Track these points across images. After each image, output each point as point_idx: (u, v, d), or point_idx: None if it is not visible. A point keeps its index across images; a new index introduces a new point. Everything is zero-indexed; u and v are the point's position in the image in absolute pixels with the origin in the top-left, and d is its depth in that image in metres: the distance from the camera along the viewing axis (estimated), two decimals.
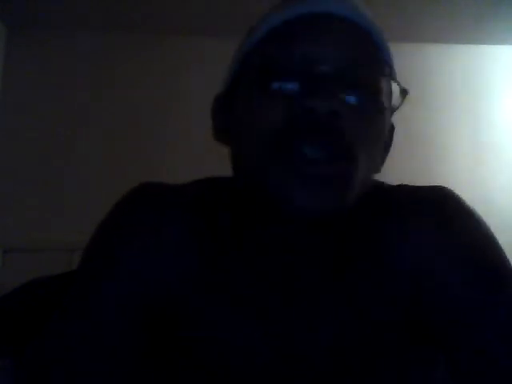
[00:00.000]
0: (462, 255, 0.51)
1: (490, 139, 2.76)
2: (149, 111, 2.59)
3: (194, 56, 2.65)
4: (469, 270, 0.49)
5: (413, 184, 0.60)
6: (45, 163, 2.50)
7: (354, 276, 0.53)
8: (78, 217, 2.42)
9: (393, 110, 0.53)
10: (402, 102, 0.53)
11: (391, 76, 0.51)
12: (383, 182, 0.59)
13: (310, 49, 0.47)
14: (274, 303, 0.53)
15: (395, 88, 0.51)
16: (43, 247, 2.34)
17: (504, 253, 0.51)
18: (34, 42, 2.63)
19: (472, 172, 2.68)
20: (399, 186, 0.59)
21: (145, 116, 2.59)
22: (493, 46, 2.83)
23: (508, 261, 0.51)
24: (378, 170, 0.54)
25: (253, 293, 0.53)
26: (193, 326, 0.53)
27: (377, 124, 0.49)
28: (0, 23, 2.56)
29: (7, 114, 2.54)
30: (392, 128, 0.57)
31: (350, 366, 0.52)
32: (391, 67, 0.52)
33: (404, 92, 0.52)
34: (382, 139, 0.51)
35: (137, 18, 2.53)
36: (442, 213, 0.54)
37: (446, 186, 0.58)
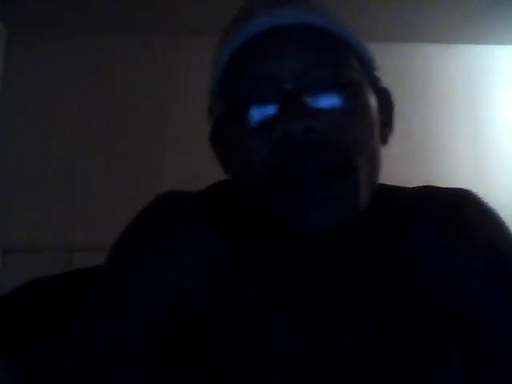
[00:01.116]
0: (484, 257, 0.51)
1: (491, 139, 2.77)
2: (149, 111, 2.59)
3: (194, 56, 2.65)
4: (490, 270, 0.50)
5: (412, 185, 0.60)
6: (45, 163, 2.50)
7: (376, 277, 0.53)
8: (78, 217, 2.42)
9: (375, 84, 0.53)
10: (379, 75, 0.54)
11: (361, 60, 0.51)
12: (403, 186, 0.60)
13: (270, 71, 0.46)
14: (295, 306, 0.53)
15: (373, 67, 0.52)
16: (43, 247, 2.34)
17: None
18: (34, 42, 2.63)
19: (472, 171, 2.68)
20: (422, 187, 0.59)
21: (145, 116, 2.59)
22: (493, 46, 2.83)
23: None
24: (385, 142, 0.54)
25: (271, 296, 0.53)
26: (209, 329, 0.53)
27: (361, 115, 0.48)
28: (0, 23, 2.56)
29: (7, 114, 2.55)
30: (385, 93, 0.56)
31: (373, 365, 0.53)
32: (360, 53, 0.51)
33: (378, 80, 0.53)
34: (371, 124, 0.49)
35: (137, 17, 2.53)
36: (465, 216, 0.54)
37: (445, 186, 0.58)
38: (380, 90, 0.55)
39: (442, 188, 0.58)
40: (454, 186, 0.58)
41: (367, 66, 0.52)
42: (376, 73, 0.54)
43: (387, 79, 0.57)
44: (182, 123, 2.58)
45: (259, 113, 0.47)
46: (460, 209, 0.54)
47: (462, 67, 2.82)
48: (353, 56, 0.50)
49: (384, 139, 0.54)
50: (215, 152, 0.57)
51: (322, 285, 0.53)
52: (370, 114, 0.49)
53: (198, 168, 2.47)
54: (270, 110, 0.46)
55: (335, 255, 0.53)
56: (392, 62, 2.64)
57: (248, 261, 0.54)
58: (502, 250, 0.51)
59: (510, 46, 2.85)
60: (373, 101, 0.51)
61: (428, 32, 2.69)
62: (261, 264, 0.54)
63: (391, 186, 0.59)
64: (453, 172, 2.64)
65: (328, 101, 0.46)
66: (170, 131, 2.56)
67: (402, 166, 2.49)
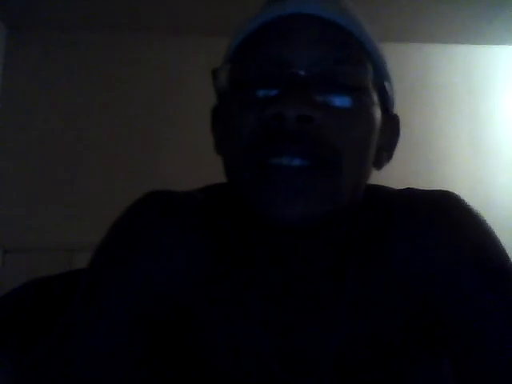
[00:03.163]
0: (468, 259, 0.50)
1: (490, 139, 2.77)
2: (149, 111, 2.59)
3: (194, 56, 2.65)
4: (475, 272, 0.49)
5: (413, 185, 0.60)
6: (45, 163, 2.50)
7: (358, 280, 0.53)
8: (78, 217, 2.42)
9: (384, 104, 0.51)
10: (392, 97, 0.52)
11: (375, 72, 0.49)
12: (387, 187, 0.59)
13: (282, 53, 0.45)
14: (275, 307, 0.53)
15: (387, 85, 0.51)
16: (43, 247, 2.34)
17: (508, 256, 0.51)
18: (34, 42, 2.63)
19: (471, 172, 2.68)
20: (405, 189, 0.59)
21: (145, 116, 2.59)
22: (493, 46, 2.83)
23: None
24: (380, 166, 0.53)
25: (256, 299, 0.53)
26: (197, 330, 0.53)
27: (362, 122, 0.47)
28: (0, 23, 2.56)
29: (7, 114, 2.55)
30: (395, 121, 0.56)
31: (354, 370, 0.52)
32: (376, 64, 0.50)
33: (389, 86, 0.51)
34: (370, 136, 0.48)
35: (137, 17, 2.54)
36: (448, 218, 0.53)
37: (445, 186, 0.58)
38: (390, 116, 0.53)
39: (426, 190, 0.57)
40: (440, 188, 0.57)
41: (380, 81, 0.50)
42: (389, 95, 0.52)
43: None
44: (182, 123, 2.58)
45: (261, 90, 0.46)
46: (445, 210, 0.54)
47: (462, 67, 2.82)
48: (370, 66, 0.49)
49: (379, 163, 0.53)
50: (213, 132, 0.56)
51: (306, 285, 0.53)
52: (372, 125, 0.48)
53: (197, 168, 2.47)
54: (273, 90, 0.45)
55: (318, 254, 0.52)
56: (392, 62, 2.64)
57: (230, 260, 0.54)
58: (487, 251, 0.51)
59: (510, 46, 2.85)
60: (377, 115, 0.49)
61: (428, 32, 2.69)
62: (242, 263, 0.54)
63: (375, 185, 0.58)
64: (453, 172, 2.64)
65: (333, 98, 0.45)
66: (169, 131, 2.56)
67: (401, 166, 2.48)
